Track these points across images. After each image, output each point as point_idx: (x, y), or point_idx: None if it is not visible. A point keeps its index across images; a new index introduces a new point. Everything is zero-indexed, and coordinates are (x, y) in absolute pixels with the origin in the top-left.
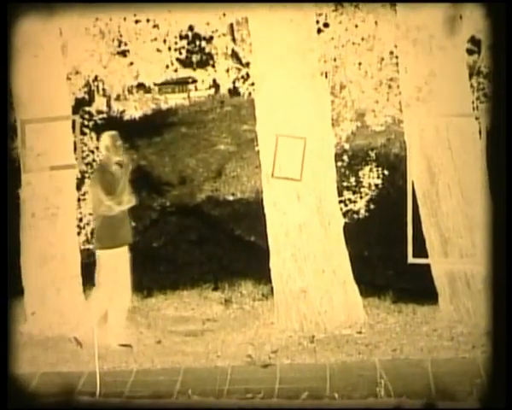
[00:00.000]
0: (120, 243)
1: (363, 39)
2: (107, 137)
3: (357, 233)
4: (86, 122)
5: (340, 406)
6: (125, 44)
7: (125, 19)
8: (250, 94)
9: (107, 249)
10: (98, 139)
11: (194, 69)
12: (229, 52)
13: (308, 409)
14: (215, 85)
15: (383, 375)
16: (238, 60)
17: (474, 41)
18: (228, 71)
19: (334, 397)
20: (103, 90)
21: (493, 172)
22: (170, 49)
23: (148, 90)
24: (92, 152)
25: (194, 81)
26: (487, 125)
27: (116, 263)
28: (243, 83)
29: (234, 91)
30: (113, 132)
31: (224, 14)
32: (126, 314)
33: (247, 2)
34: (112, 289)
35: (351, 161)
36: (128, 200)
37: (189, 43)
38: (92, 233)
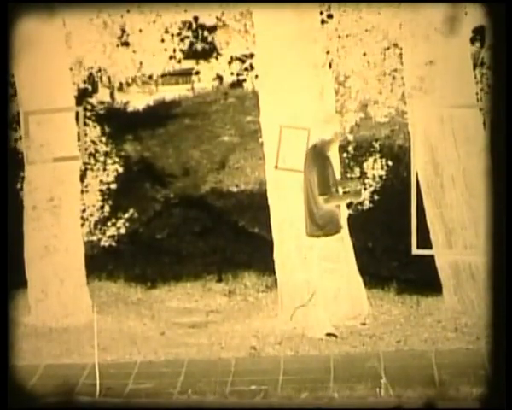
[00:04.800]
0: (337, 229)
1: (366, 30)
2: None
3: (361, 224)
4: (89, 113)
5: (340, 406)
6: (128, 35)
7: (128, 11)
8: (254, 85)
9: (329, 236)
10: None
11: (198, 60)
12: (233, 43)
13: (308, 409)
14: (218, 77)
15: (383, 376)
16: (242, 51)
17: (477, 32)
18: (231, 62)
19: (337, 391)
20: (107, 81)
21: (495, 163)
22: (173, 40)
23: (151, 82)
24: (94, 143)
25: (198, 72)
26: (490, 118)
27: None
28: (247, 74)
29: (237, 83)
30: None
31: (228, 6)
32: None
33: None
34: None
35: (355, 153)
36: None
37: (192, 34)
38: (96, 224)
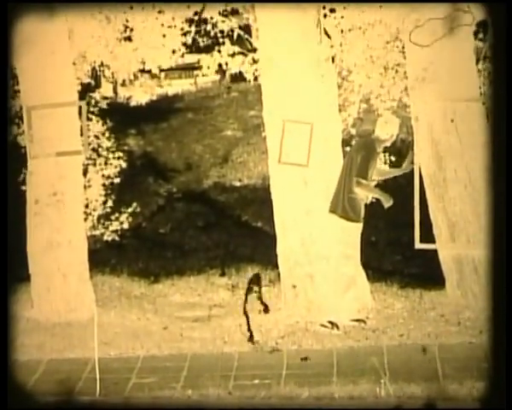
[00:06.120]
0: (358, 219)
1: (369, 24)
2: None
3: (364, 218)
4: (92, 108)
5: (341, 406)
6: (131, 30)
7: (131, 7)
8: (257, 79)
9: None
10: None
11: (201, 55)
12: (236, 37)
13: (308, 409)
14: (221, 71)
15: (386, 370)
16: (244, 45)
17: (480, 26)
18: (234, 56)
19: (340, 385)
20: (110, 75)
21: (496, 157)
22: (176, 34)
23: (154, 76)
24: (97, 138)
25: (201, 67)
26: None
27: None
28: (250, 68)
29: (240, 77)
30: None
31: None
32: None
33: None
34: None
35: None
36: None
37: (195, 29)
38: (99, 219)
